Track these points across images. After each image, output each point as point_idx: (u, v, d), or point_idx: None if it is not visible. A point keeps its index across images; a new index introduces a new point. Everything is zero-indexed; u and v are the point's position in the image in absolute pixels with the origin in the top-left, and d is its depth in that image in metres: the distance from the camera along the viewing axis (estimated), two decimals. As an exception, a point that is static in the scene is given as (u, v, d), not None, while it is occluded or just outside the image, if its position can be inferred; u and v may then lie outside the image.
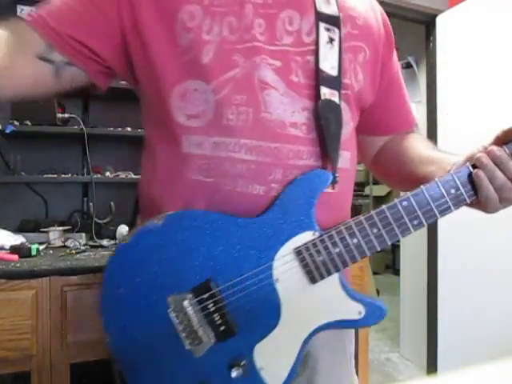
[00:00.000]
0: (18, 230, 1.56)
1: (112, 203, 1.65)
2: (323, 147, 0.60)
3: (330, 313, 0.57)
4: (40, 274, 1.07)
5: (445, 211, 0.56)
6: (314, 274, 0.56)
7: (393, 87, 0.75)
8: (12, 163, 1.74)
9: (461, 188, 0.56)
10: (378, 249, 0.57)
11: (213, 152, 0.57)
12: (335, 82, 0.61)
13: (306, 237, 0.56)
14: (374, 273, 4.41)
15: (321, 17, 0.62)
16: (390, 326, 3.19)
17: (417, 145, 0.74)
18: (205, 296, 0.56)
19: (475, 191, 0.56)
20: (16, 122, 1.61)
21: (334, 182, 0.58)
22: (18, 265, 1.10)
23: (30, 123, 1.63)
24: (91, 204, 1.69)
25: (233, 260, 0.56)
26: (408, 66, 2.61)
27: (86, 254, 1.31)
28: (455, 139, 2.09)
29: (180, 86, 0.58)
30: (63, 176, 1.70)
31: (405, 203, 0.56)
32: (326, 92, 0.60)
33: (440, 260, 2.24)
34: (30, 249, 1.23)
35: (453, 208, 0.56)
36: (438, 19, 2.26)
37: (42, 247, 1.37)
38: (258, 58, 0.58)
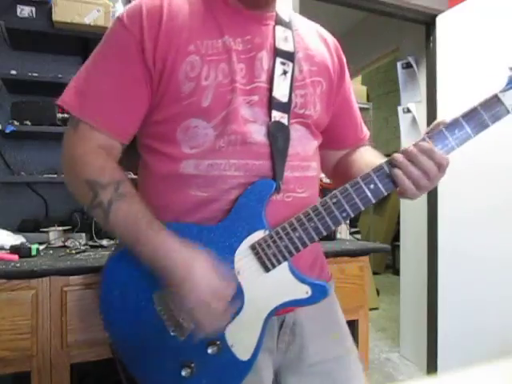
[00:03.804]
0: (17, 229, 1.56)
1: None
2: (273, 160, 0.72)
3: (284, 295, 0.69)
4: (40, 274, 1.07)
5: (367, 203, 0.67)
6: (266, 264, 0.68)
7: (344, 108, 0.89)
8: (12, 163, 1.74)
9: (378, 183, 0.67)
10: (316, 239, 0.68)
11: (207, 172, 0.69)
12: (285, 107, 0.73)
13: (258, 235, 0.68)
14: (374, 273, 4.41)
15: (278, 52, 0.74)
16: (389, 326, 3.19)
17: (365, 155, 0.88)
18: None
19: (395, 184, 0.67)
20: (16, 122, 1.61)
21: (279, 188, 0.70)
22: (18, 265, 1.10)
23: (29, 123, 1.63)
24: (91, 204, 1.69)
25: None
26: (408, 66, 2.61)
27: (86, 254, 1.31)
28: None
29: (183, 123, 0.70)
30: (63, 176, 1.69)
31: (334, 200, 0.67)
32: (276, 115, 0.72)
33: (440, 260, 2.25)
34: (29, 249, 1.23)
35: (373, 200, 0.67)
36: (438, 19, 2.26)
37: (41, 247, 1.37)
38: (240, 98, 0.70)
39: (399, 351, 2.74)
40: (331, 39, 0.87)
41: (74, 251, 1.32)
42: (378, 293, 3.88)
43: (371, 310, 3.38)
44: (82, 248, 1.38)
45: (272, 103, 0.72)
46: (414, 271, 2.61)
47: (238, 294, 0.67)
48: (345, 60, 0.87)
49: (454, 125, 0.65)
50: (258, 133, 0.71)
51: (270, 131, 0.71)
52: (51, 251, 1.36)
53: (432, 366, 2.33)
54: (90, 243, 1.49)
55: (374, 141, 3.74)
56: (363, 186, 0.67)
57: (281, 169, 0.71)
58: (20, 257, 1.20)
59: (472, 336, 1.98)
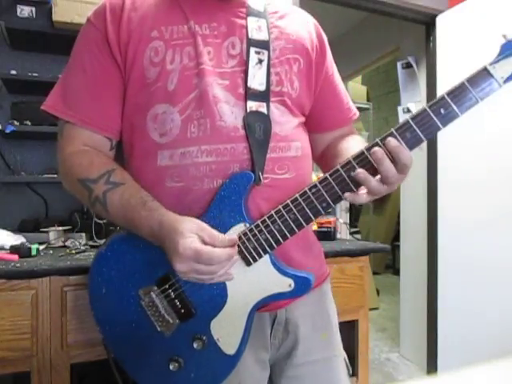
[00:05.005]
0: (17, 229, 1.56)
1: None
2: (249, 145, 0.69)
3: (267, 288, 0.68)
4: (40, 274, 1.07)
5: (348, 191, 0.64)
6: (248, 258, 0.67)
7: (326, 89, 0.85)
8: (12, 163, 1.74)
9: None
10: (297, 231, 0.66)
11: (180, 161, 0.69)
12: (263, 96, 0.72)
13: (239, 228, 0.67)
14: (374, 273, 4.41)
15: (251, 42, 0.73)
16: (389, 326, 3.19)
17: (347, 143, 0.83)
18: (166, 286, 0.69)
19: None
20: (16, 122, 1.61)
21: (259, 180, 0.68)
22: (18, 265, 1.10)
23: (29, 123, 1.63)
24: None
25: None
26: (408, 65, 2.61)
27: (86, 253, 1.31)
28: (455, 139, 2.08)
29: (151, 110, 0.70)
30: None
31: (314, 190, 0.65)
32: (252, 105, 0.71)
33: (440, 260, 2.24)
34: (29, 249, 1.23)
35: (354, 189, 0.64)
36: (438, 19, 2.26)
37: (42, 247, 1.37)
38: (210, 78, 0.69)
39: (399, 351, 2.74)
40: (311, 20, 0.86)
41: (73, 251, 1.32)
42: (378, 293, 3.88)
43: (371, 309, 3.38)
44: (82, 248, 1.38)
45: (248, 94, 0.71)
46: (413, 271, 2.61)
47: (222, 289, 0.68)
48: (326, 40, 0.85)
49: (439, 102, 0.63)
50: (228, 115, 0.69)
51: (246, 123, 0.69)
52: (51, 251, 1.36)
53: (432, 366, 2.33)
54: (90, 243, 1.49)
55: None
56: (343, 173, 0.64)
57: (261, 160, 0.69)
58: (20, 257, 1.20)
59: (472, 336, 1.98)
